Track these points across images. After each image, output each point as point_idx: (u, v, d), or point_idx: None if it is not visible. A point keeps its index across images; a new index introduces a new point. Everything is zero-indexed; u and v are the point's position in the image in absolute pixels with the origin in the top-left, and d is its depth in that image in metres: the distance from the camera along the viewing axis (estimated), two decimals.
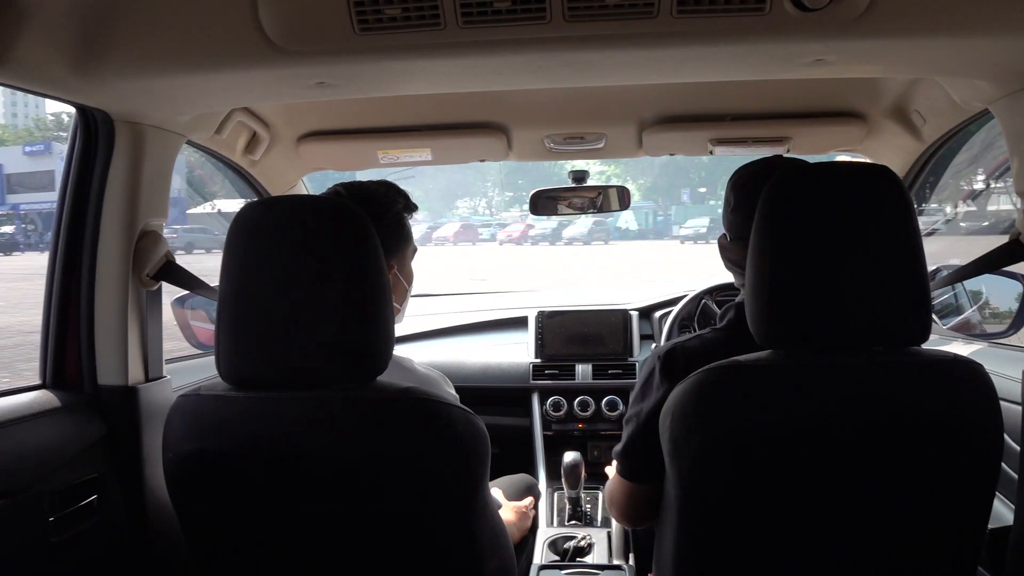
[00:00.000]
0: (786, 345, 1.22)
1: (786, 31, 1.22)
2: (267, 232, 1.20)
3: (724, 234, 1.54)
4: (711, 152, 2.24)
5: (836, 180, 1.22)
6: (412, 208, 1.57)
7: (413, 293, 1.63)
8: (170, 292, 1.77)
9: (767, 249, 1.21)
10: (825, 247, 1.18)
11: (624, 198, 2.57)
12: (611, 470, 1.61)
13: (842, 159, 2.41)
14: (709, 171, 38.96)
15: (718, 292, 2.71)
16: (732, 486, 1.21)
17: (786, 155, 2.24)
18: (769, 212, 1.21)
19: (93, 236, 1.56)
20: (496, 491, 2.11)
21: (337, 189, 1.52)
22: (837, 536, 1.23)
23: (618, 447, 1.50)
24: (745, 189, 1.46)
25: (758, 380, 1.20)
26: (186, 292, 1.99)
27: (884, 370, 1.19)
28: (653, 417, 1.35)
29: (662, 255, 24.71)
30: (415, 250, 1.59)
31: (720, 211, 1.58)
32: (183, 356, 2.23)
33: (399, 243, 1.52)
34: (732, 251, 1.50)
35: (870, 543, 1.23)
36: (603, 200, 2.58)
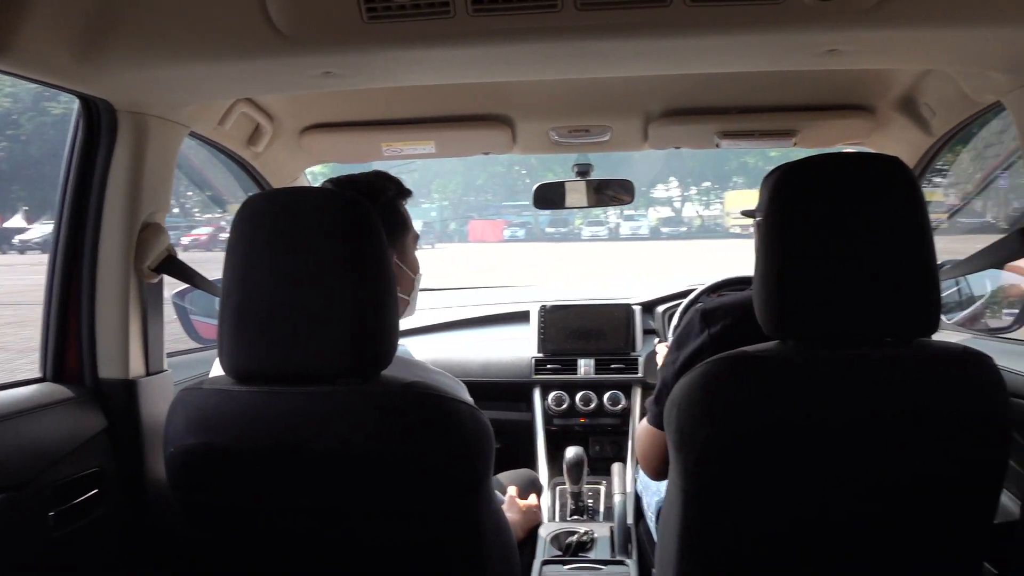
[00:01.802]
0: (795, 337, 1.21)
1: (801, 20, 1.21)
2: (270, 224, 1.19)
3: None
4: (717, 145, 2.23)
5: (845, 170, 1.21)
6: (406, 194, 1.55)
7: (420, 288, 1.61)
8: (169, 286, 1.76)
9: (775, 240, 1.20)
10: (834, 238, 1.17)
11: (629, 190, 2.56)
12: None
13: (847, 151, 2.40)
14: (423, 171, 38.03)
15: (727, 287, 2.70)
16: (738, 479, 1.20)
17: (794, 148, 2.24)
18: (777, 203, 1.20)
19: (95, 228, 1.54)
20: (511, 488, 2.11)
21: (326, 185, 1.51)
22: (844, 530, 1.22)
23: (650, 397, 1.52)
24: None
25: (767, 372, 1.19)
26: (186, 286, 1.97)
27: (894, 362, 1.19)
28: (688, 365, 1.36)
29: None
30: (416, 237, 1.57)
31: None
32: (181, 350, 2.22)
33: (395, 231, 1.50)
34: None
35: (878, 536, 1.22)
36: (606, 193, 2.57)
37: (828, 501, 1.21)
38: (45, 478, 1.36)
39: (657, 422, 1.53)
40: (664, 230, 34.86)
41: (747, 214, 1.69)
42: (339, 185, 1.49)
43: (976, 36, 1.27)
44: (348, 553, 1.25)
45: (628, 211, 35.00)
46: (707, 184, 35.90)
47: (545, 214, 35.17)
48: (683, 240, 32.26)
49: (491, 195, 37.64)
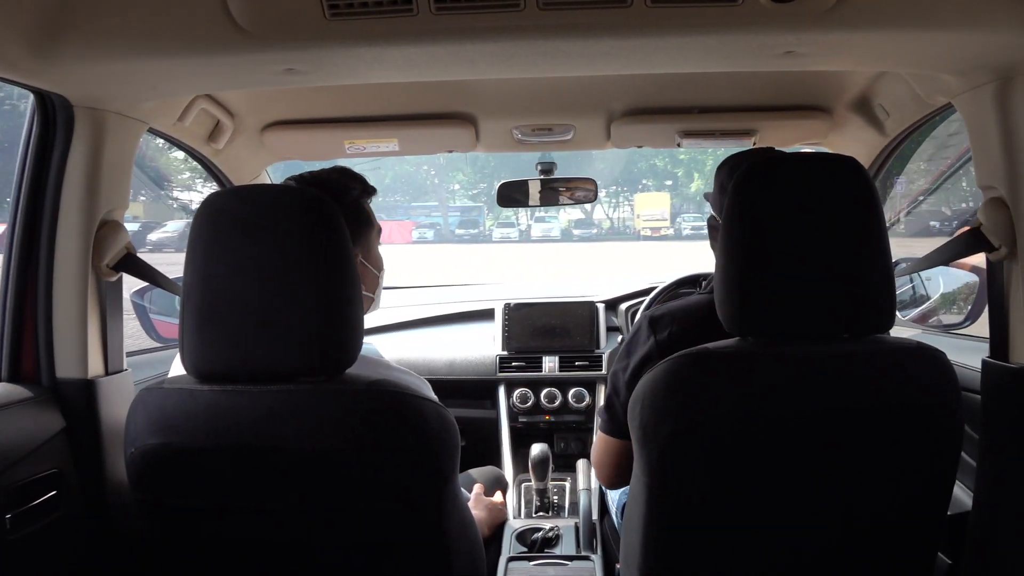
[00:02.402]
0: (754, 333, 1.23)
1: (759, 22, 1.23)
2: (233, 221, 1.18)
3: (713, 216, 1.59)
4: (679, 144, 2.26)
5: (803, 170, 1.24)
6: (371, 191, 1.55)
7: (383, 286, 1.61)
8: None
9: (736, 238, 1.22)
10: (792, 236, 1.20)
11: (592, 188, 2.58)
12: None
13: (806, 151, 2.44)
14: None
15: (687, 285, 2.74)
16: (701, 474, 1.22)
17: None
18: (738, 202, 1.22)
19: (51, 226, 1.51)
20: (477, 486, 2.12)
21: (289, 182, 1.49)
22: (803, 519, 1.25)
23: (602, 403, 1.53)
24: None
25: (727, 368, 1.21)
26: (145, 284, 1.94)
27: (850, 357, 1.22)
28: (638, 372, 1.37)
29: None
30: (379, 231, 1.56)
31: None
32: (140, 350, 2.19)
33: (361, 229, 1.49)
34: None
35: (834, 526, 1.25)
36: (570, 191, 2.59)
37: (787, 494, 1.23)
38: (1, 480, 1.34)
39: (608, 428, 1.55)
40: (576, 232, 34.47)
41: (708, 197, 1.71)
42: (303, 183, 1.47)
43: (928, 39, 1.31)
44: (312, 553, 1.24)
45: (539, 212, 34.44)
46: (615, 187, 35.91)
47: (454, 214, 34.95)
48: (594, 242, 32.08)
49: (399, 196, 37.03)
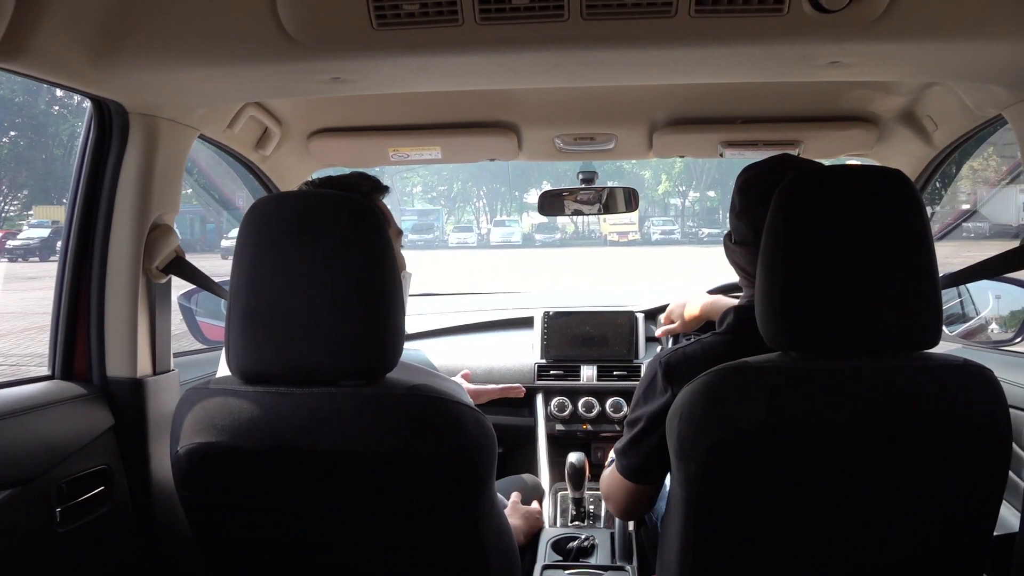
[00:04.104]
0: (796, 348, 1.21)
1: (803, 32, 1.22)
2: (279, 226, 1.19)
3: (729, 234, 1.53)
4: (721, 154, 2.24)
5: (849, 183, 1.21)
6: (382, 190, 1.56)
7: (419, 293, 1.63)
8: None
9: (779, 252, 1.20)
10: (837, 250, 1.17)
11: (632, 199, 2.57)
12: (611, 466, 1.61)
13: (851, 163, 2.41)
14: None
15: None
16: (740, 488, 1.21)
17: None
18: (781, 214, 1.20)
19: (105, 228, 1.56)
20: (514, 494, 2.12)
21: (303, 187, 1.53)
22: (843, 538, 1.23)
23: (619, 444, 1.50)
24: (751, 195, 1.44)
25: (768, 382, 1.19)
26: (192, 287, 1.99)
27: (894, 374, 1.19)
28: (655, 422, 1.35)
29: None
30: (399, 232, 1.57)
31: None
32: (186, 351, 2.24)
33: None
34: (736, 254, 1.50)
35: (877, 546, 1.22)
36: (610, 200, 2.58)
37: (829, 510, 1.21)
38: (52, 474, 1.38)
39: (629, 473, 1.49)
40: (538, 237, 33.02)
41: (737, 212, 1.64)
42: (315, 186, 1.51)
43: (978, 50, 1.29)
44: (350, 554, 1.26)
45: (500, 216, 32.84)
46: None
47: (409, 218, 33.87)
48: (558, 248, 31.15)
49: None
